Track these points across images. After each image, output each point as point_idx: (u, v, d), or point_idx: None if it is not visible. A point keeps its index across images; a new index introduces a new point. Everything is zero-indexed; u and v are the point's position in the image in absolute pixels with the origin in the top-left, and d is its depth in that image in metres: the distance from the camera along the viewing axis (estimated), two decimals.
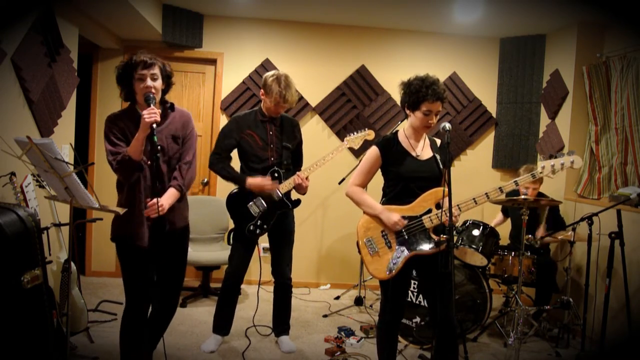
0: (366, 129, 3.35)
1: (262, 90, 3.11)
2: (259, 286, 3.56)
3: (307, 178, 3.13)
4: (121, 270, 2.48)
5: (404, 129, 2.55)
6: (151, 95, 2.27)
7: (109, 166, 2.36)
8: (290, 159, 3.20)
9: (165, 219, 2.36)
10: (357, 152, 4.85)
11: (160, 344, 2.65)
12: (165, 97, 2.46)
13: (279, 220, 3.18)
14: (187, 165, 2.46)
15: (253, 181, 3.06)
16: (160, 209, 2.28)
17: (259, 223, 3.12)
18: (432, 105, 2.37)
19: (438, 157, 2.49)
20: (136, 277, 2.43)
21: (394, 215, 2.41)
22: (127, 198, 2.39)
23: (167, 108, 2.46)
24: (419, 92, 2.36)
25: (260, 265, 3.24)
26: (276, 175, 3.11)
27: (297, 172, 3.12)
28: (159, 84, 2.33)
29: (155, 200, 2.29)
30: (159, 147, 2.26)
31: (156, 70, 2.32)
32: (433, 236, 2.41)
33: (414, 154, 2.48)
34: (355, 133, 3.32)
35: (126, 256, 2.43)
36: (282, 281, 3.29)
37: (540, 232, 3.83)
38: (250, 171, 3.13)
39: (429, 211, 2.41)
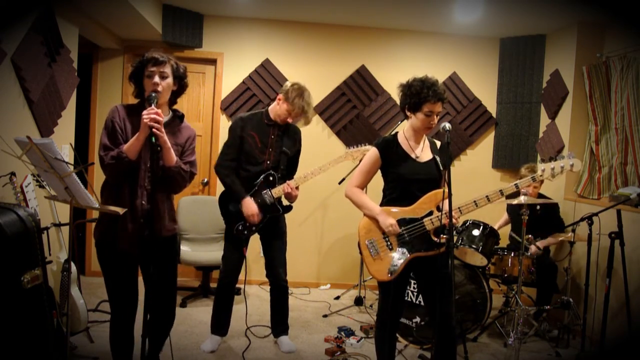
0: (367, 144, 3.38)
1: (281, 95, 3.10)
2: (244, 285, 3.56)
3: (297, 187, 3.14)
4: (104, 279, 2.40)
5: (403, 131, 2.55)
6: (153, 95, 2.23)
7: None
8: (286, 164, 3.21)
9: (147, 225, 2.27)
10: None
11: (166, 346, 2.63)
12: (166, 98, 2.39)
13: (271, 223, 3.18)
14: (190, 172, 2.40)
15: (247, 204, 3.05)
16: (155, 115, 2.13)
17: (247, 224, 3.12)
18: (433, 106, 2.37)
19: (438, 158, 2.49)
20: (120, 284, 2.38)
21: (389, 219, 2.42)
22: (114, 199, 2.31)
23: (177, 116, 2.44)
24: (420, 93, 2.36)
25: (246, 265, 3.23)
26: (270, 179, 3.12)
27: (288, 181, 3.12)
28: (167, 82, 2.29)
29: (153, 108, 2.17)
30: (158, 147, 2.23)
31: (166, 69, 2.28)
32: (434, 238, 2.41)
33: (413, 155, 2.48)
34: (355, 147, 3.35)
35: (109, 262, 2.36)
36: (277, 283, 3.28)
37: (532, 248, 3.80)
38: (244, 171, 3.13)
39: (430, 213, 2.41)
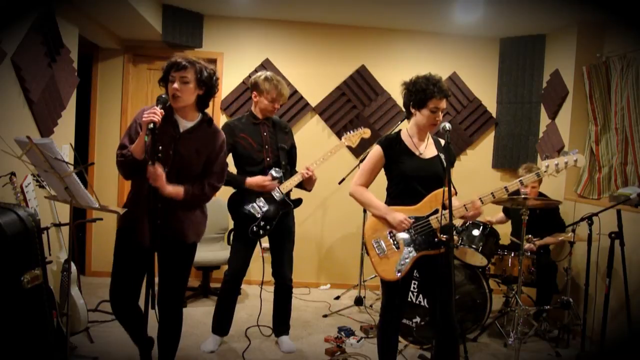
0: (362, 127, 3.38)
1: (254, 92, 3.12)
2: (261, 287, 3.55)
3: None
4: (112, 268, 2.45)
5: (407, 129, 2.55)
6: (163, 97, 2.27)
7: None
8: (287, 159, 3.21)
9: (165, 226, 2.31)
10: (357, 152, 4.84)
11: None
12: (177, 103, 2.34)
13: (280, 221, 3.18)
14: (209, 186, 2.42)
15: (253, 180, 3.06)
16: (156, 178, 2.20)
17: (262, 224, 3.11)
18: (439, 102, 2.38)
19: (442, 156, 2.49)
20: (121, 271, 2.42)
21: (399, 214, 2.41)
22: (132, 195, 2.39)
23: (203, 120, 2.43)
24: (425, 90, 2.37)
25: (263, 266, 3.24)
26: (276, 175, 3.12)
27: (306, 166, 3.13)
28: (188, 87, 2.29)
29: (156, 167, 2.21)
30: (159, 147, 2.25)
31: (187, 74, 2.28)
32: (440, 236, 2.41)
33: (417, 152, 2.48)
34: (352, 131, 3.36)
35: (121, 250, 2.42)
36: (282, 282, 3.28)
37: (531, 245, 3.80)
38: (247, 175, 3.12)
39: (436, 211, 2.41)
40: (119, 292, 2.45)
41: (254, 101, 3.16)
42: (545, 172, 2.43)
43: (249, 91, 4.76)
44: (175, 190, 2.31)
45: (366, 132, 3.38)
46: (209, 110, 4.80)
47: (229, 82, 4.80)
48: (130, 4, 3.58)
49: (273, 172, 3.09)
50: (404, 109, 2.56)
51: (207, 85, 2.36)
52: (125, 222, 2.40)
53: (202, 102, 2.41)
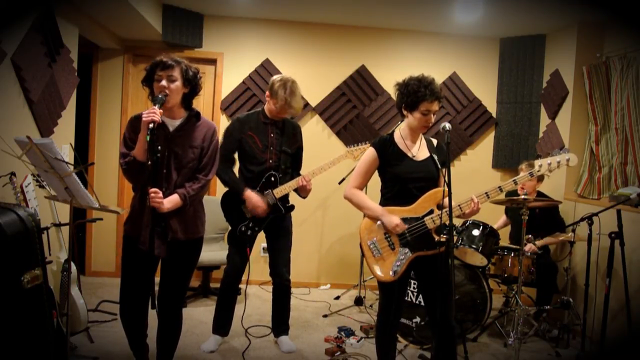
0: (367, 142, 3.38)
1: (267, 92, 3.11)
2: (246, 286, 3.56)
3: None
4: (121, 271, 2.51)
5: (399, 130, 2.55)
6: (159, 97, 2.27)
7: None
8: (288, 162, 3.21)
9: (166, 226, 2.35)
10: None
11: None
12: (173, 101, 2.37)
13: (277, 221, 3.18)
14: (203, 181, 2.43)
15: (250, 197, 3.05)
16: (157, 201, 2.25)
17: (250, 224, 3.12)
18: (430, 105, 2.38)
19: (435, 157, 2.49)
20: (129, 277, 2.46)
21: (394, 218, 2.41)
22: (138, 199, 2.40)
23: (192, 116, 2.45)
24: (417, 92, 2.36)
25: (249, 266, 3.23)
26: (272, 179, 3.12)
27: (303, 175, 3.12)
28: (175, 85, 2.31)
29: (156, 189, 2.26)
30: (158, 147, 2.26)
31: (174, 72, 2.31)
32: (435, 237, 2.41)
33: (410, 154, 2.48)
34: (356, 145, 3.36)
35: (127, 255, 2.46)
36: (280, 282, 3.28)
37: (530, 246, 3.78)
38: (248, 172, 3.13)
39: (431, 212, 2.41)
40: (128, 297, 2.47)
41: (266, 98, 3.16)
42: (538, 171, 2.43)
43: (249, 90, 4.79)
44: (172, 203, 2.33)
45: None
46: (209, 109, 4.84)
47: (229, 82, 4.80)
48: (130, 4, 3.58)
49: (269, 199, 3.10)
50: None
51: (192, 83, 2.39)
52: (130, 231, 2.42)
53: (187, 101, 2.43)
